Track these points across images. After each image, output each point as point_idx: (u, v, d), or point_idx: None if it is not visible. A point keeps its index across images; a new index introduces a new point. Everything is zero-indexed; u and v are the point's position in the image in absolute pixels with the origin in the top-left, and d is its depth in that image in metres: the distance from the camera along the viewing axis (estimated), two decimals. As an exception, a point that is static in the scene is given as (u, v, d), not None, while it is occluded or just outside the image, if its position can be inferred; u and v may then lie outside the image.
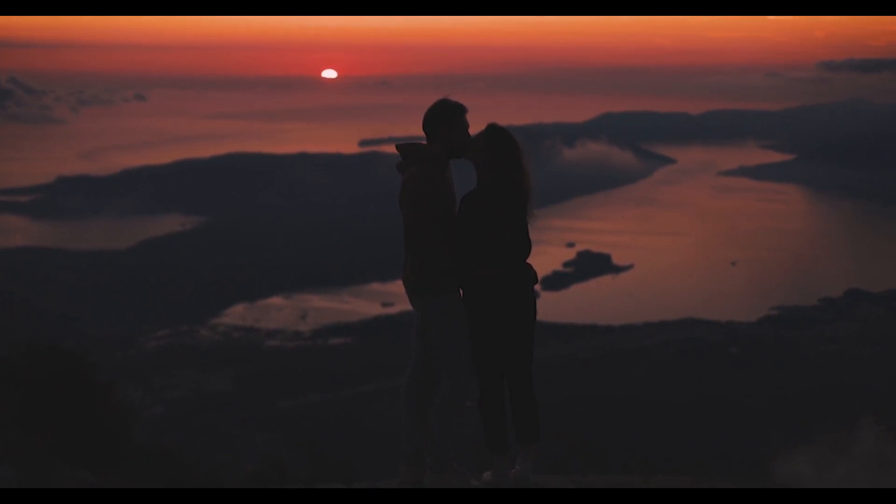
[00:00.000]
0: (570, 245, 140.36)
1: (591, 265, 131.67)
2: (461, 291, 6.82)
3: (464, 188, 6.91)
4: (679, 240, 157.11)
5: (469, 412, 6.83)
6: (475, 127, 6.91)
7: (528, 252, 6.86)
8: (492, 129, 6.88)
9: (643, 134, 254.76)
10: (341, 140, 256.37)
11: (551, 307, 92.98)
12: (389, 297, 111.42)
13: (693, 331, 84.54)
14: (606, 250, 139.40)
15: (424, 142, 6.87)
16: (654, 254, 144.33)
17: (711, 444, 52.13)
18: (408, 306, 7.12)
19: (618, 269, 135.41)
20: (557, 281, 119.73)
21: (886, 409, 54.93)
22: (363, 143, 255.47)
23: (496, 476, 6.95)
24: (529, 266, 6.89)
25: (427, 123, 6.85)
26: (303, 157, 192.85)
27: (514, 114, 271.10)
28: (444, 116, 6.80)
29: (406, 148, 6.85)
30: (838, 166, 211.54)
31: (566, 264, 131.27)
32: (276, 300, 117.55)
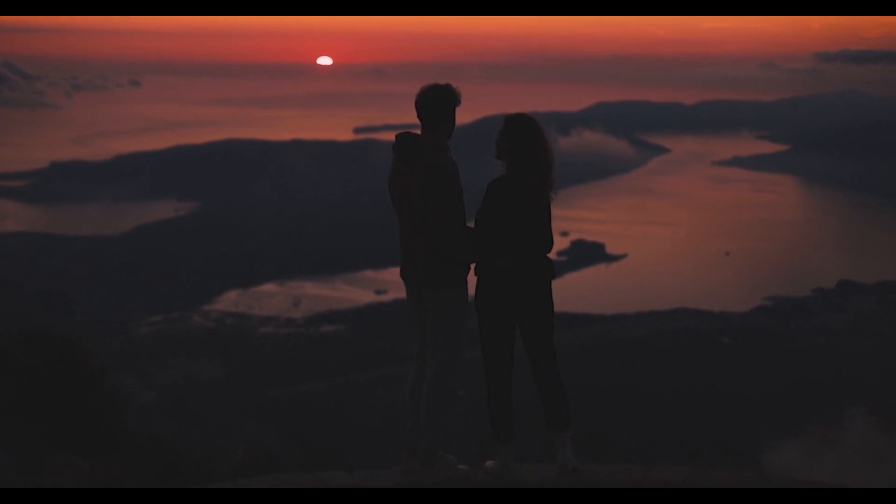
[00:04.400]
0: (564, 234, 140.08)
1: (584, 254, 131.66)
2: (475, 281, 6.76)
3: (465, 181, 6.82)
4: (672, 229, 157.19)
5: (468, 404, 6.83)
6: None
7: (547, 246, 6.84)
8: (507, 120, 6.81)
9: (638, 123, 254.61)
10: (336, 127, 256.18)
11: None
12: (382, 285, 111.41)
13: (686, 321, 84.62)
14: (600, 239, 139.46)
15: (419, 130, 6.74)
16: (647, 243, 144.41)
17: (703, 434, 52.26)
18: (401, 294, 7.06)
19: (611, 259, 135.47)
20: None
21: (877, 401, 55.11)
22: (357, 130, 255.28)
23: (500, 464, 6.93)
24: (548, 260, 6.87)
25: (429, 111, 6.65)
26: (297, 144, 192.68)
27: (509, 102, 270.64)
28: (449, 103, 6.66)
29: (412, 138, 6.69)
30: (832, 157, 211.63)
31: (559, 253, 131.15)
32: (269, 287, 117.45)
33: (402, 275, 6.88)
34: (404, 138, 6.70)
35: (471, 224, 6.71)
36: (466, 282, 6.74)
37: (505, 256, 6.64)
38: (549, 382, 6.89)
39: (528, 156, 6.70)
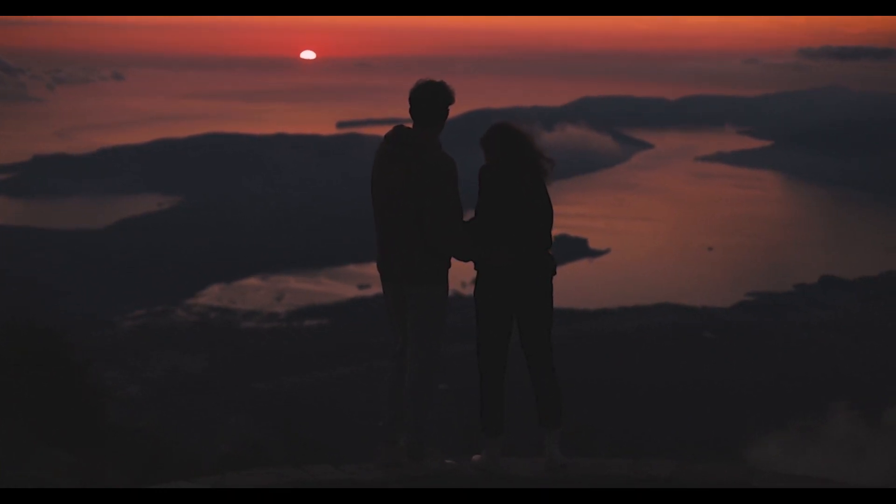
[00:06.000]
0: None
1: (567, 249, 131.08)
2: (474, 274, 6.74)
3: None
4: (655, 225, 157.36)
5: (452, 398, 6.84)
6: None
7: (547, 242, 6.83)
8: (484, 141, 6.78)
9: (621, 118, 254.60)
10: (319, 121, 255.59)
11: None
12: (366, 279, 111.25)
13: (668, 316, 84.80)
14: (583, 234, 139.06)
15: (410, 124, 6.64)
16: (630, 238, 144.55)
17: (686, 428, 52.44)
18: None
19: (594, 254, 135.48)
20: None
21: (859, 396, 55.37)
22: (341, 124, 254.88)
23: (487, 459, 6.94)
24: (549, 256, 6.87)
25: (426, 108, 6.54)
26: (281, 138, 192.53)
27: (493, 97, 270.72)
28: (445, 101, 6.57)
29: (407, 134, 6.57)
30: (815, 153, 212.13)
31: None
32: (252, 281, 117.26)
33: (381, 269, 6.81)
34: (399, 133, 6.59)
35: (469, 216, 6.70)
36: (448, 277, 6.74)
37: (506, 251, 6.63)
38: (544, 379, 6.90)
39: (516, 158, 6.72)
